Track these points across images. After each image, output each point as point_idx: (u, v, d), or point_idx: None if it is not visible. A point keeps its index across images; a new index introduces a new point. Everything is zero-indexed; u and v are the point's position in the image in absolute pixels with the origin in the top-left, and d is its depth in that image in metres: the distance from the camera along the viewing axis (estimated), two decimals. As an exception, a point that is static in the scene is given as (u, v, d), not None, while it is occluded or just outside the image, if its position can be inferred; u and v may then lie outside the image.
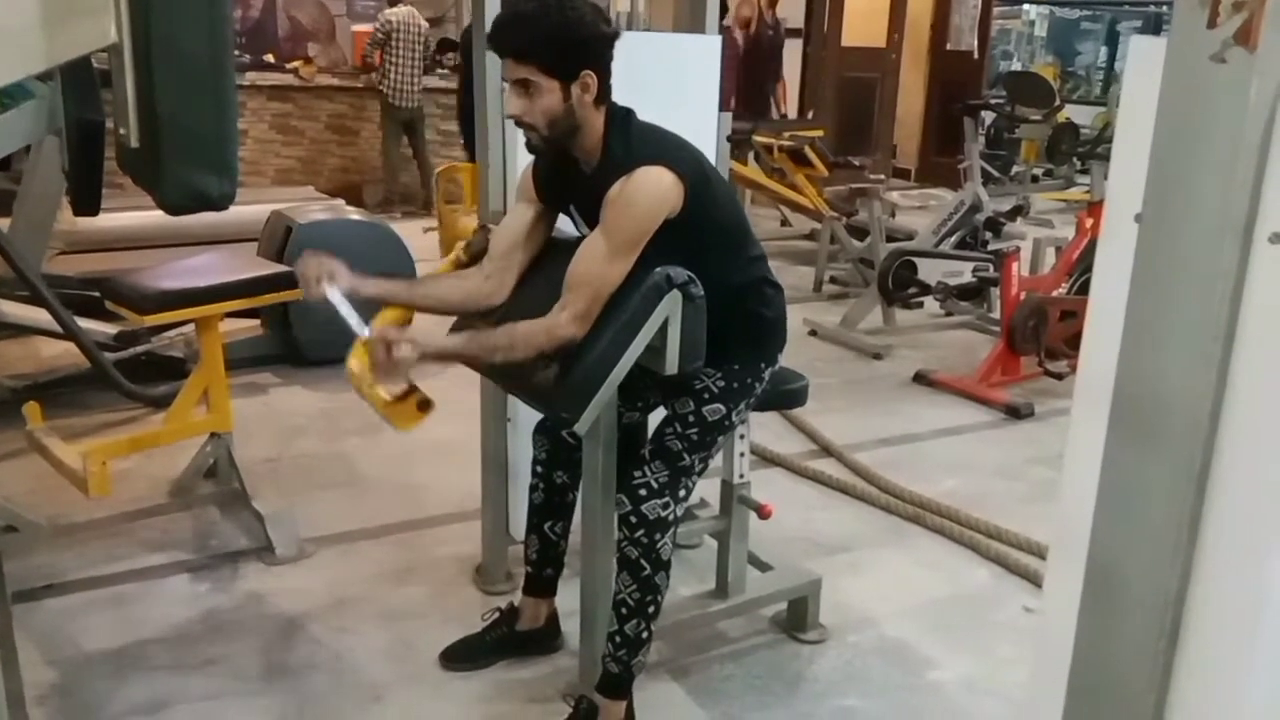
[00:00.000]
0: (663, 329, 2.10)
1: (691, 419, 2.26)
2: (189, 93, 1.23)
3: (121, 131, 1.22)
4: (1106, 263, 1.15)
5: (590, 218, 2.17)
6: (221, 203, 1.37)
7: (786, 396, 2.65)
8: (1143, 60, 1.05)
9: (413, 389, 2.17)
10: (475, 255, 2.45)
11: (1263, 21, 0.87)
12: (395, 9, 8.24)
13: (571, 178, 2.23)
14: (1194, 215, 0.96)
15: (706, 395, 2.27)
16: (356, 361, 2.15)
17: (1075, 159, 9.59)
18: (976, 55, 10.87)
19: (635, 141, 2.15)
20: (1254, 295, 0.95)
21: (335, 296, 2.18)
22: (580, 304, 2.07)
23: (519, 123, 2.13)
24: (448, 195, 5.78)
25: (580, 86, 2.09)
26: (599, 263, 2.07)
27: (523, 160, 2.39)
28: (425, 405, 2.18)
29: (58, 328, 3.69)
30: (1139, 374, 1.04)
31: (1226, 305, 0.96)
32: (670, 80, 2.74)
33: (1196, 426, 1.00)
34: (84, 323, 3.86)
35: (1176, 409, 1.01)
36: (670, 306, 2.09)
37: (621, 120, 2.17)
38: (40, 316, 3.85)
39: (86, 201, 2.44)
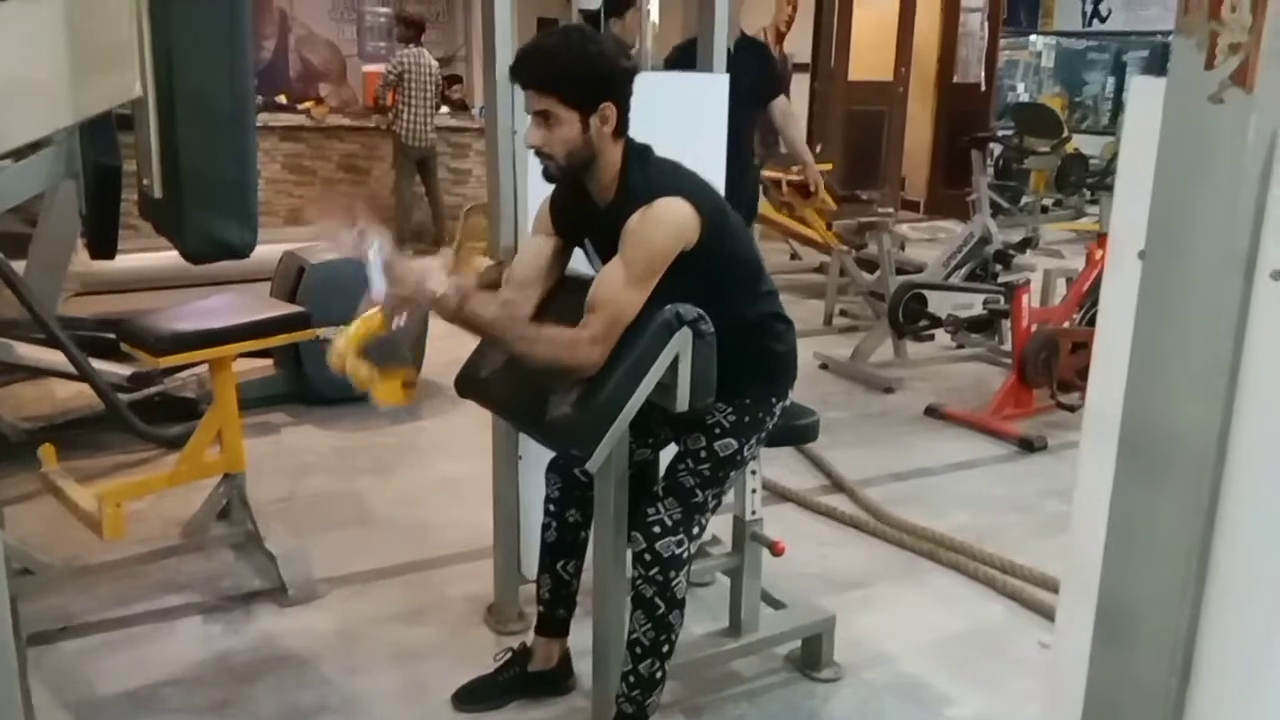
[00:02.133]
0: (673, 366, 2.11)
1: (703, 454, 2.26)
2: (211, 145, 1.26)
3: (145, 182, 1.25)
4: (1111, 298, 1.16)
5: (606, 251, 2.19)
6: (243, 251, 1.40)
7: (798, 432, 2.65)
8: (1144, 100, 1.07)
9: (403, 368, 2.16)
10: (486, 288, 2.47)
11: (1259, 63, 0.88)
12: (407, 50, 8.33)
13: (588, 211, 2.26)
14: (1196, 252, 0.97)
15: (718, 430, 2.27)
16: (343, 338, 2.11)
17: (1084, 189, 9.63)
18: (984, 87, 10.92)
19: (654, 175, 2.18)
20: (1257, 331, 0.96)
21: (374, 255, 2.10)
22: (600, 327, 2.08)
23: (538, 153, 2.17)
24: (470, 232, 5.85)
25: (599, 119, 2.12)
26: (618, 289, 2.09)
27: (535, 196, 2.42)
28: (411, 385, 2.17)
29: (72, 369, 3.72)
30: (1145, 408, 1.05)
31: (1230, 340, 0.96)
32: (678, 119, 2.75)
33: (1203, 460, 1.01)
34: (98, 364, 3.88)
35: (1183, 443, 1.02)
36: (680, 344, 2.10)
37: (639, 155, 2.21)
38: (55, 358, 3.87)
39: (103, 246, 2.48)
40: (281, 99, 9.06)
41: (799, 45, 10.00)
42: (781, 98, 5.31)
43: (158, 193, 1.23)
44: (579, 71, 2.10)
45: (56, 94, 0.98)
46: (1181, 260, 0.99)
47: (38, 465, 3.19)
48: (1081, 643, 1.15)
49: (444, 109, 8.91)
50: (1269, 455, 0.99)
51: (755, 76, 4.95)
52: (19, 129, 0.98)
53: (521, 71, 2.14)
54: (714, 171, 2.77)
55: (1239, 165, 0.92)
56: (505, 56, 2.64)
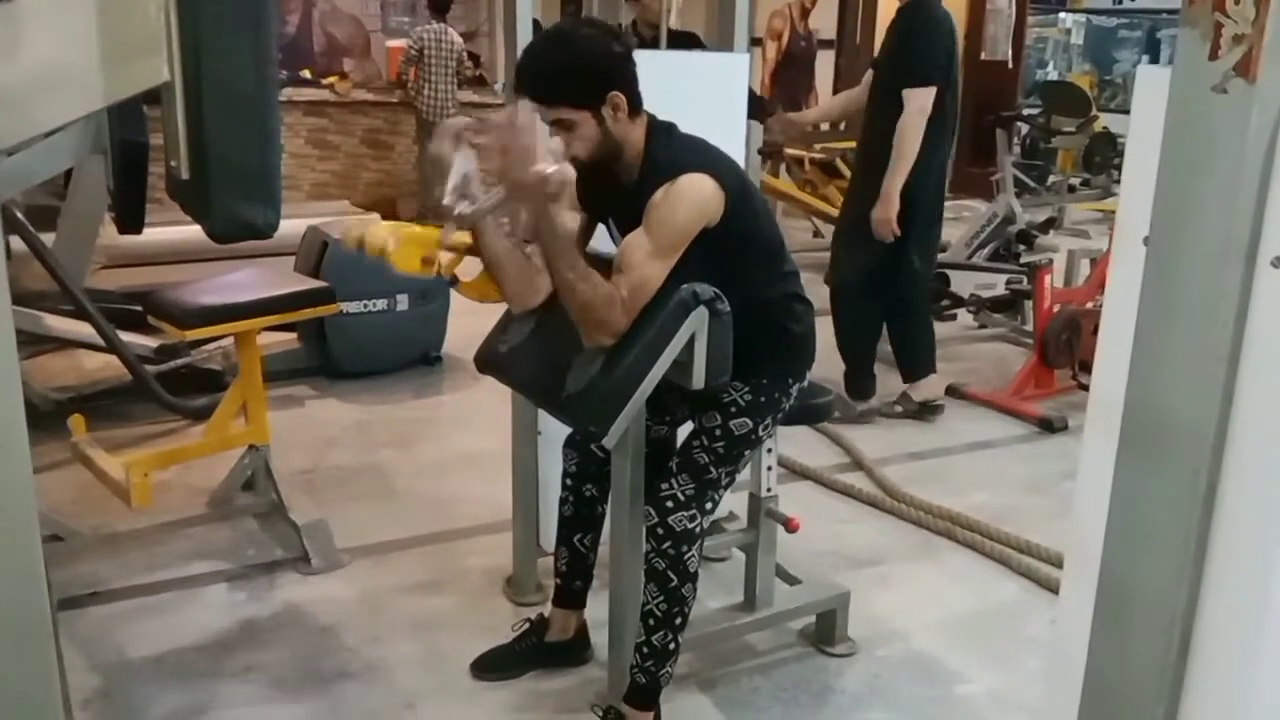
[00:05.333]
0: (689, 344, 2.13)
1: (718, 433, 2.29)
2: (237, 129, 1.30)
3: (173, 164, 1.28)
4: (1117, 283, 1.17)
5: (628, 229, 2.20)
6: (266, 232, 1.44)
7: (813, 411, 2.67)
8: (1149, 89, 1.08)
9: (431, 242, 2.20)
10: None
11: (1262, 54, 0.90)
12: (428, 26, 8.36)
13: (613, 188, 2.27)
14: (1198, 239, 0.99)
15: (733, 409, 2.30)
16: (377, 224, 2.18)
17: (1112, 169, 9.54)
18: (1011, 65, 10.81)
19: (678, 150, 2.20)
20: (1257, 317, 0.98)
21: (462, 163, 2.12)
22: (626, 290, 2.10)
23: (571, 161, 2.18)
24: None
25: (610, 108, 2.14)
26: (641, 260, 2.11)
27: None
28: (430, 263, 2.21)
29: (100, 341, 3.79)
30: (1147, 392, 1.07)
31: (1230, 327, 0.98)
32: (699, 98, 2.76)
33: (1202, 445, 1.02)
34: (125, 336, 3.95)
35: (1183, 427, 1.03)
36: (697, 322, 2.12)
37: (664, 132, 2.22)
38: (83, 330, 3.95)
39: (131, 221, 2.52)
40: (305, 74, 9.09)
41: (824, 22, 9.95)
42: (915, 92, 4.06)
43: (184, 174, 1.27)
44: (574, 74, 2.11)
45: (89, 79, 1.02)
46: (1184, 246, 1.00)
47: (67, 435, 3.25)
48: (1083, 621, 1.18)
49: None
50: (1268, 440, 1.01)
51: (890, 54, 4.29)
52: (54, 113, 1.02)
53: (524, 89, 2.15)
54: (734, 151, 2.78)
55: (1241, 154, 0.93)
56: (526, 34, 2.66)
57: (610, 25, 2.38)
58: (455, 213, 2.10)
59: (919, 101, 4.04)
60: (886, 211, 4.14)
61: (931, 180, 4.27)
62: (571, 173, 2.06)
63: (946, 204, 4.74)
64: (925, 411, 4.60)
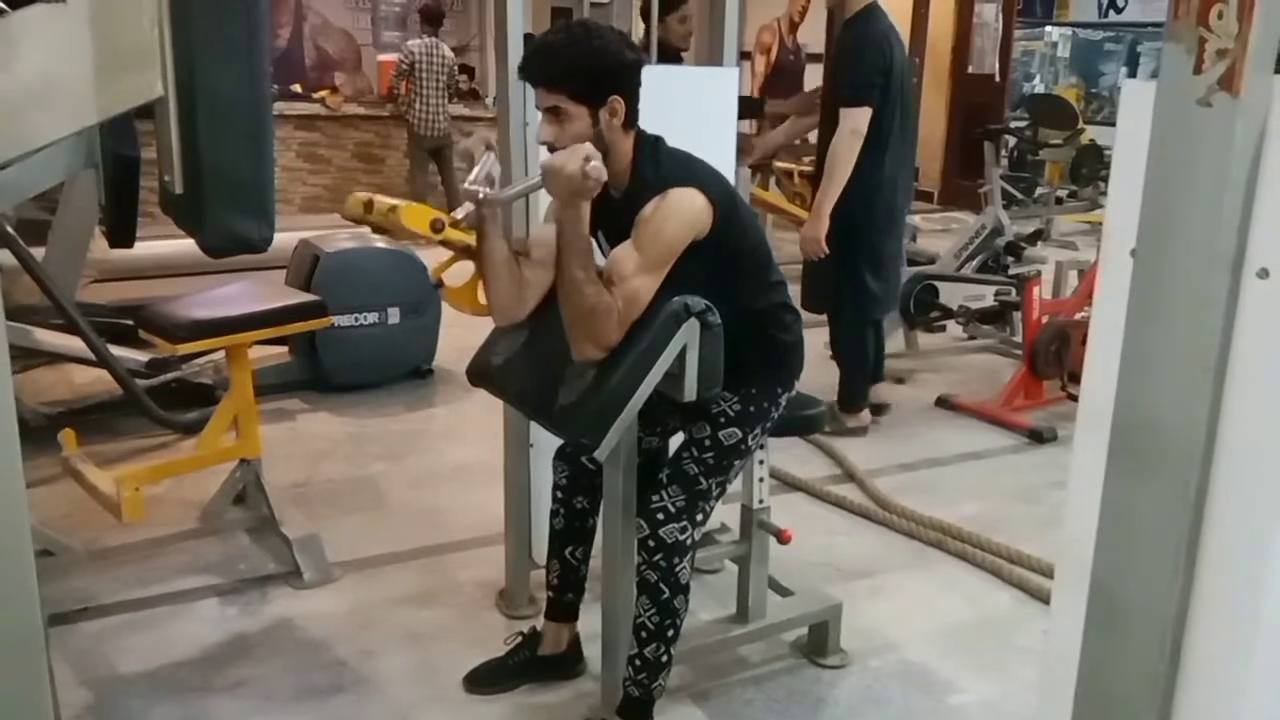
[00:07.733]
0: (681, 356, 2.14)
1: (708, 443, 2.29)
2: (231, 143, 1.30)
3: (166, 178, 1.29)
4: (1105, 295, 1.18)
5: (616, 242, 2.22)
6: (260, 246, 1.45)
7: (803, 422, 2.68)
8: (1135, 103, 1.09)
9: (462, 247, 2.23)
10: None
11: (1245, 68, 0.91)
12: (420, 40, 8.39)
13: (601, 203, 2.28)
14: (1185, 251, 1.00)
15: (722, 419, 2.30)
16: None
17: (1099, 181, 9.58)
18: (998, 78, 10.89)
19: (665, 165, 2.21)
20: (1243, 327, 0.99)
21: (488, 160, 2.16)
22: (620, 303, 2.11)
23: (551, 149, 2.19)
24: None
25: (608, 112, 2.15)
26: (631, 274, 2.12)
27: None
28: (438, 228, 2.24)
29: (91, 355, 3.77)
30: (1136, 402, 1.08)
31: (1217, 337, 0.99)
32: (688, 113, 2.78)
33: (1191, 453, 1.03)
34: (116, 350, 3.94)
35: (1172, 436, 1.04)
36: (688, 334, 2.13)
37: (651, 146, 2.23)
38: (74, 344, 3.93)
39: (122, 235, 2.51)
40: (297, 88, 9.11)
41: (813, 36, 9.98)
42: (848, 112, 4.05)
43: (178, 189, 1.27)
44: (585, 66, 2.12)
45: (82, 94, 1.02)
46: (1171, 258, 1.01)
47: (58, 449, 3.24)
48: (1075, 629, 1.18)
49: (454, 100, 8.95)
50: (1255, 448, 1.02)
51: (831, 72, 4.41)
52: (47, 128, 1.03)
53: (529, 69, 2.17)
54: (724, 165, 2.80)
55: (1226, 167, 0.95)
56: (517, 48, 2.67)
57: (629, 36, 2.40)
58: (480, 196, 2.11)
59: (851, 122, 4.04)
60: (814, 229, 4.16)
61: (879, 198, 4.22)
62: (605, 174, 2.07)
63: (935, 216, 4.78)
64: (876, 413, 4.68)
